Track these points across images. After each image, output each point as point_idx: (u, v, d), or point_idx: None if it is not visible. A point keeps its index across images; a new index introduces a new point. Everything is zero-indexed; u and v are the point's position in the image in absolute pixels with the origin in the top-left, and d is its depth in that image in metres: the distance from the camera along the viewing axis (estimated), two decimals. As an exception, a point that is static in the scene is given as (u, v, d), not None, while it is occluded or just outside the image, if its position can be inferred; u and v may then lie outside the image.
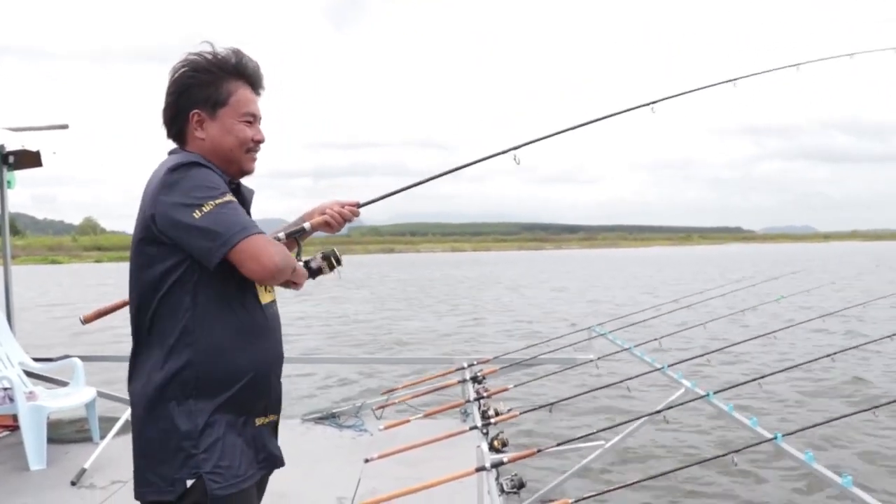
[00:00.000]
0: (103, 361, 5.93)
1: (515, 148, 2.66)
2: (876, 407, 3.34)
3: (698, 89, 3.23)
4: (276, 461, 2.00)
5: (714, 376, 7.76)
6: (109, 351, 6.49)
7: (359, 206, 2.23)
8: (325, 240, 2.23)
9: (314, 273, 2.07)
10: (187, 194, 1.75)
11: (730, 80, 3.25)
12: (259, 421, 1.92)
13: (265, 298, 1.94)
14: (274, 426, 2.02)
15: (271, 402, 1.97)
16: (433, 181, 2.64)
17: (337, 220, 2.16)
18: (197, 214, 1.73)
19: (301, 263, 2.05)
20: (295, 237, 2.14)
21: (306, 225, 2.15)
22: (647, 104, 3.03)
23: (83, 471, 4.32)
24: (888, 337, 4.28)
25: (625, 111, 3.05)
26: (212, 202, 1.75)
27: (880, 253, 72.08)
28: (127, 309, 2.45)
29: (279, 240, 2.14)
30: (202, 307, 1.79)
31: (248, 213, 2.00)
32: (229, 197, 1.81)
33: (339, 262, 2.09)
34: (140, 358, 1.83)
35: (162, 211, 1.76)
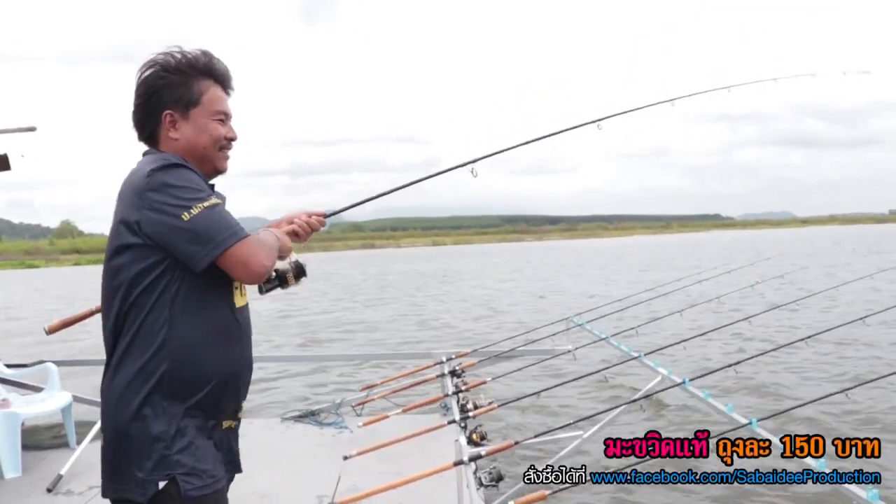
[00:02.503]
0: (79, 366, 5.87)
1: (472, 161, 2.76)
2: (847, 389, 3.38)
3: (639, 108, 3.43)
4: (237, 466, 2.00)
5: (690, 363, 7.81)
6: (85, 355, 6.41)
7: (325, 216, 2.29)
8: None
9: (284, 283, 2.10)
10: (174, 196, 1.75)
11: (669, 100, 3.49)
12: (226, 424, 1.92)
13: (239, 302, 1.94)
14: (237, 430, 2.01)
15: (238, 405, 1.97)
16: (393, 192, 2.75)
17: (305, 230, 2.21)
18: (185, 216, 1.73)
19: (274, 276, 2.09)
20: None
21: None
22: (594, 122, 3.20)
23: (59, 477, 4.28)
24: (861, 319, 4.35)
25: (572, 128, 3.19)
26: (200, 204, 1.75)
27: (858, 236, 73.00)
28: (97, 314, 2.43)
29: None
30: (178, 308, 1.78)
31: None
32: (215, 199, 1.81)
33: (304, 272, 2.14)
34: (114, 359, 1.81)
35: (148, 211, 1.74)
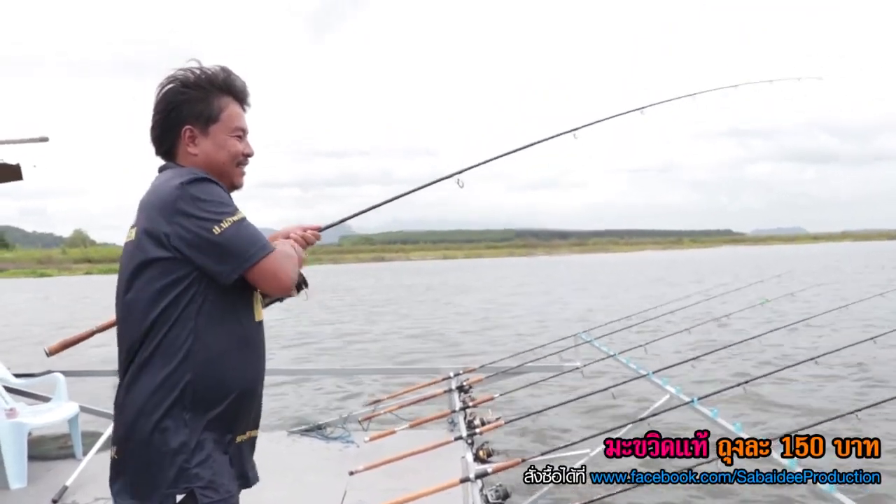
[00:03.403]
0: (87, 376, 5.87)
1: (459, 172, 2.77)
2: (858, 410, 3.34)
3: (610, 118, 3.45)
4: (248, 481, 1.99)
5: (699, 381, 7.76)
6: (93, 365, 6.42)
7: (320, 230, 2.30)
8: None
9: (282, 298, 2.09)
10: (205, 209, 1.77)
11: (638, 109, 3.53)
12: (239, 438, 1.92)
13: (258, 316, 1.96)
14: (252, 443, 2.01)
15: (252, 419, 1.97)
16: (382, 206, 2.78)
17: (301, 244, 2.19)
18: (217, 230, 1.76)
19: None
20: None
21: None
22: (569, 131, 3.22)
23: (65, 488, 4.27)
24: (871, 339, 4.31)
25: (549, 138, 3.21)
26: (230, 218, 1.78)
27: (870, 253, 72.52)
28: (97, 333, 2.44)
29: None
30: (202, 321, 1.79)
31: None
32: (242, 213, 1.84)
33: (305, 284, 2.14)
34: (134, 370, 1.81)
35: (178, 225, 1.76)
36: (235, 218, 1.79)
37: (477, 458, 3.71)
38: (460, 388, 4.99)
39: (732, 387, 4.01)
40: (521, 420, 4.26)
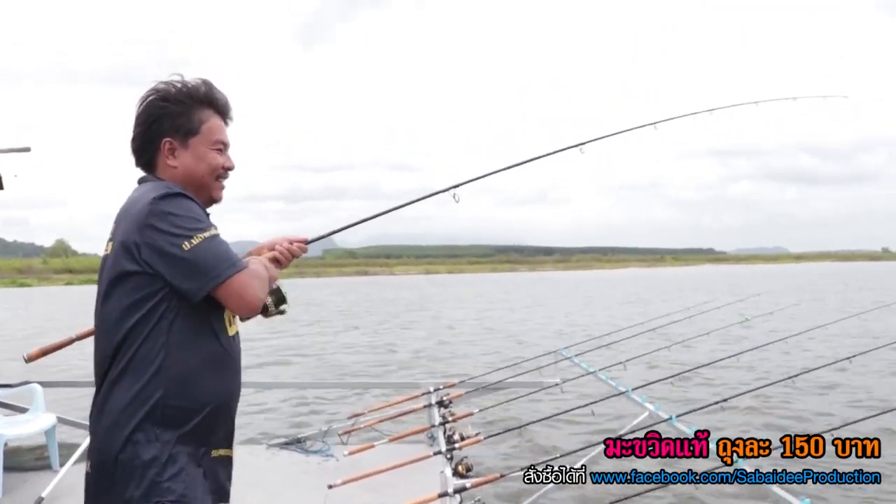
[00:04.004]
0: (65, 387, 5.83)
1: (455, 186, 2.77)
2: (834, 429, 3.38)
3: (621, 132, 3.42)
4: (224, 495, 1.98)
5: (678, 399, 7.80)
6: (71, 377, 6.36)
7: (307, 242, 2.28)
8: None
9: (263, 311, 2.08)
10: (176, 225, 1.76)
11: (651, 123, 3.47)
12: (215, 453, 1.91)
13: (231, 331, 1.96)
14: (228, 459, 2.00)
15: (227, 434, 1.97)
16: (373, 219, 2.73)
17: (286, 257, 2.20)
18: (186, 246, 1.75)
19: None
20: None
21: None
22: (576, 145, 3.20)
23: (41, 500, 4.23)
24: (847, 359, 4.37)
25: (554, 152, 3.18)
26: (200, 234, 1.77)
27: (850, 273, 73.30)
28: (76, 341, 2.43)
29: None
30: (175, 335, 1.79)
31: None
32: (215, 230, 1.83)
33: (285, 299, 2.14)
34: (105, 384, 1.81)
35: (148, 240, 1.76)
36: (206, 234, 1.79)
37: (456, 473, 3.72)
38: (440, 403, 5.00)
39: (711, 404, 4.05)
40: (500, 435, 4.28)
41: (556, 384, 5.31)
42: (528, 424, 4.22)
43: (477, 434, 4.20)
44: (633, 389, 4.55)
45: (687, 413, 4.04)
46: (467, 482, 3.35)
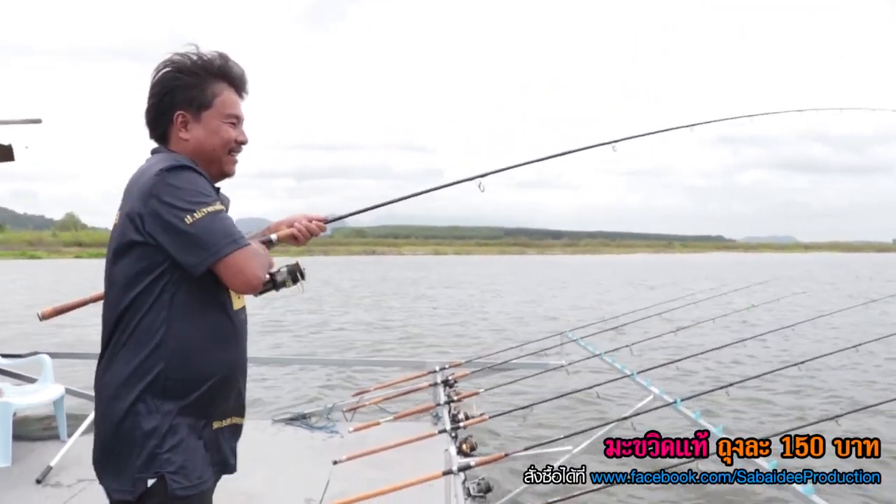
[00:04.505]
0: (73, 358, 5.87)
1: (482, 176, 2.73)
2: (838, 416, 3.38)
3: (656, 132, 3.39)
4: (227, 467, 1.99)
5: (684, 383, 7.82)
6: (79, 348, 6.41)
7: (326, 221, 2.25)
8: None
9: (278, 286, 2.07)
10: (180, 198, 1.75)
11: (687, 126, 3.44)
12: (216, 424, 1.92)
13: (237, 304, 1.96)
14: (234, 429, 2.01)
15: (231, 406, 1.97)
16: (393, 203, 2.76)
17: (304, 235, 2.18)
18: (189, 220, 1.74)
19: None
20: (264, 248, 2.14)
21: (273, 237, 2.17)
22: (609, 143, 3.16)
23: (49, 469, 4.28)
24: (854, 347, 4.36)
25: (586, 148, 3.16)
26: (204, 209, 1.76)
27: (859, 264, 72.95)
28: (92, 305, 2.43)
29: None
30: (177, 308, 1.79)
31: None
32: (220, 205, 1.82)
33: (302, 276, 2.11)
34: (109, 354, 1.83)
35: (152, 211, 1.75)
36: (210, 209, 1.78)
37: (460, 452, 3.74)
38: (445, 382, 5.02)
39: (716, 389, 4.06)
40: (504, 415, 4.29)
41: (562, 366, 5.31)
42: (532, 405, 4.22)
43: (482, 414, 4.21)
44: (639, 373, 4.55)
45: (692, 397, 4.04)
46: (471, 461, 3.37)
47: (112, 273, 1.85)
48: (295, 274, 2.09)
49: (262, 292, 2.07)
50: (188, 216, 1.74)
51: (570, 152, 3.11)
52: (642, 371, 4.57)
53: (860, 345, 4.37)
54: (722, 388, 4.03)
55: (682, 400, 3.96)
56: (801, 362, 4.31)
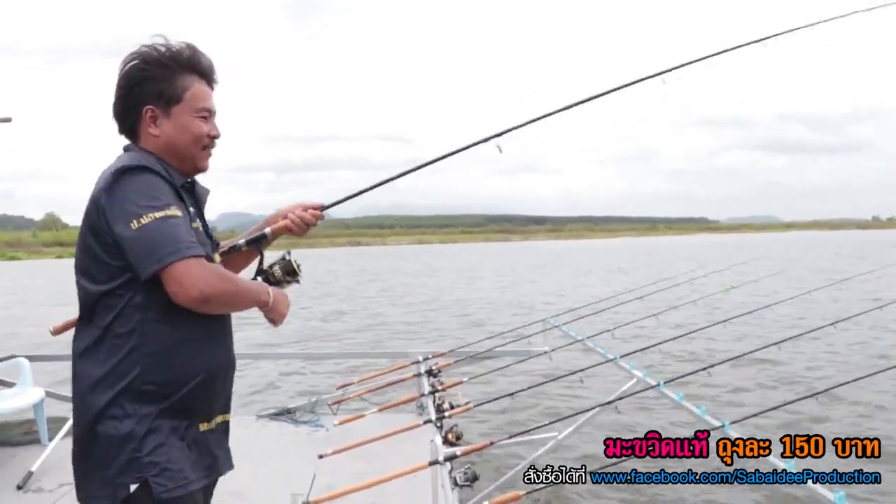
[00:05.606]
0: (52, 361, 5.80)
1: (498, 135, 2.50)
2: (818, 393, 3.41)
3: (722, 52, 2.97)
4: (219, 468, 1.94)
5: (666, 365, 7.86)
6: (58, 350, 6.34)
7: (322, 208, 2.16)
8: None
9: (275, 282, 2.02)
10: (129, 201, 1.69)
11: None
12: (203, 426, 1.87)
13: None
14: (223, 429, 1.97)
15: (217, 407, 1.92)
16: (405, 175, 2.51)
17: (299, 226, 2.11)
18: (134, 225, 1.67)
19: (260, 278, 2.03)
20: (257, 244, 2.11)
21: (267, 231, 2.11)
22: (659, 73, 2.83)
23: (30, 474, 4.23)
24: (831, 324, 4.39)
25: (634, 83, 2.79)
26: (152, 214, 1.68)
27: (839, 241, 73.76)
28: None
29: (238, 248, 2.10)
30: (150, 312, 1.73)
31: (202, 212, 1.96)
32: (173, 210, 1.72)
33: (298, 271, 2.05)
34: (82, 348, 1.78)
35: (105, 214, 1.71)
36: (158, 214, 1.69)
37: (446, 442, 3.73)
38: (429, 373, 5.01)
39: (698, 371, 4.07)
40: (489, 404, 4.29)
41: (545, 352, 5.32)
42: (516, 392, 4.23)
43: (466, 403, 4.21)
44: (622, 357, 4.57)
45: (674, 380, 4.06)
46: (457, 450, 3.36)
47: (82, 272, 1.80)
48: (290, 270, 2.03)
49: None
50: (135, 221, 1.68)
51: (617, 89, 2.72)
52: (625, 355, 4.58)
53: (837, 322, 4.41)
54: (704, 369, 4.05)
55: (666, 382, 3.98)
56: (781, 341, 4.34)
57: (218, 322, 1.89)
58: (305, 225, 2.11)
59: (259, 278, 2.05)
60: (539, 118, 2.67)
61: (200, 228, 1.90)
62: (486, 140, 2.49)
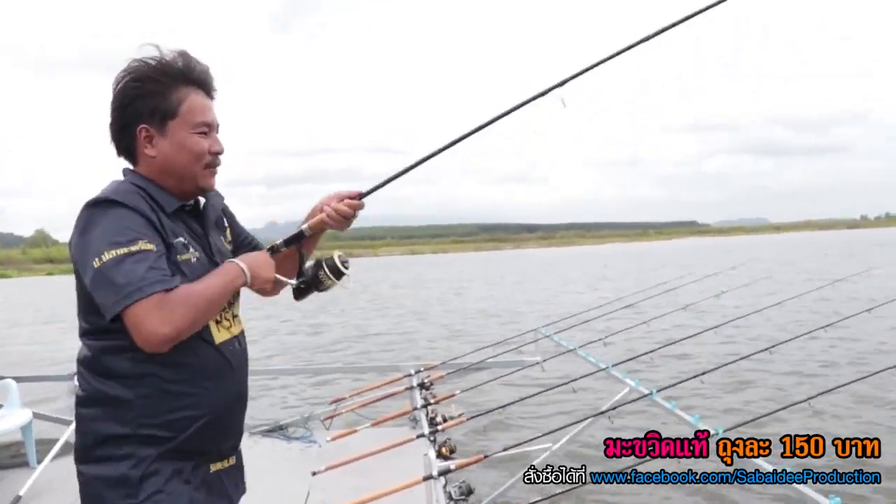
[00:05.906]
0: (41, 381, 5.74)
1: (560, 84, 2.07)
2: (811, 398, 3.41)
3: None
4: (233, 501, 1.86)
5: (658, 373, 7.86)
6: (46, 371, 6.30)
7: (360, 196, 1.93)
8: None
9: (311, 289, 1.92)
10: (94, 236, 1.60)
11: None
12: (214, 467, 1.77)
13: (220, 337, 1.76)
14: (236, 469, 1.89)
15: (229, 445, 1.83)
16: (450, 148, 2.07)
17: (336, 220, 1.90)
18: (96, 263, 1.57)
19: (295, 281, 1.93)
20: (295, 244, 1.96)
21: (304, 227, 1.94)
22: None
23: (18, 498, 4.16)
24: (822, 328, 4.40)
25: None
26: (113, 251, 1.56)
27: (828, 242, 74.18)
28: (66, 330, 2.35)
29: (277, 248, 1.94)
30: (141, 350, 1.60)
31: (207, 232, 1.85)
32: (140, 245, 1.59)
33: (341, 270, 1.91)
34: (84, 383, 1.71)
35: (73, 252, 1.64)
36: (121, 251, 1.56)
37: (439, 455, 3.71)
38: (421, 386, 4.99)
39: (690, 378, 4.07)
40: (482, 416, 4.27)
41: (537, 362, 5.31)
42: (509, 404, 4.22)
43: (460, 415, 4.19)
44: (614, 366, 4.56)
45: (667, 388, 4.06)
46: (451, 464, 3.35)
47: (79, 307, 1.73)
48: (330, 268, 1.89)
49: (303, 296, 1.92)
50: (96, 259, 1.57)
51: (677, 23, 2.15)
52: (617, 364, 4.58)
53: (828, 325, 4.42)
54: (696, 376, 4.05)
55: (658, 391, 3.97)
56: (772, 346, 4.35)
57: (227, 353, 1.78)
58: (343, 217, 1.90)
59: (296, 282, 1.93)
60: (610, 57, 2.12)
61: (200, 255, 1.77)
62: (548, 91, 2.07)
